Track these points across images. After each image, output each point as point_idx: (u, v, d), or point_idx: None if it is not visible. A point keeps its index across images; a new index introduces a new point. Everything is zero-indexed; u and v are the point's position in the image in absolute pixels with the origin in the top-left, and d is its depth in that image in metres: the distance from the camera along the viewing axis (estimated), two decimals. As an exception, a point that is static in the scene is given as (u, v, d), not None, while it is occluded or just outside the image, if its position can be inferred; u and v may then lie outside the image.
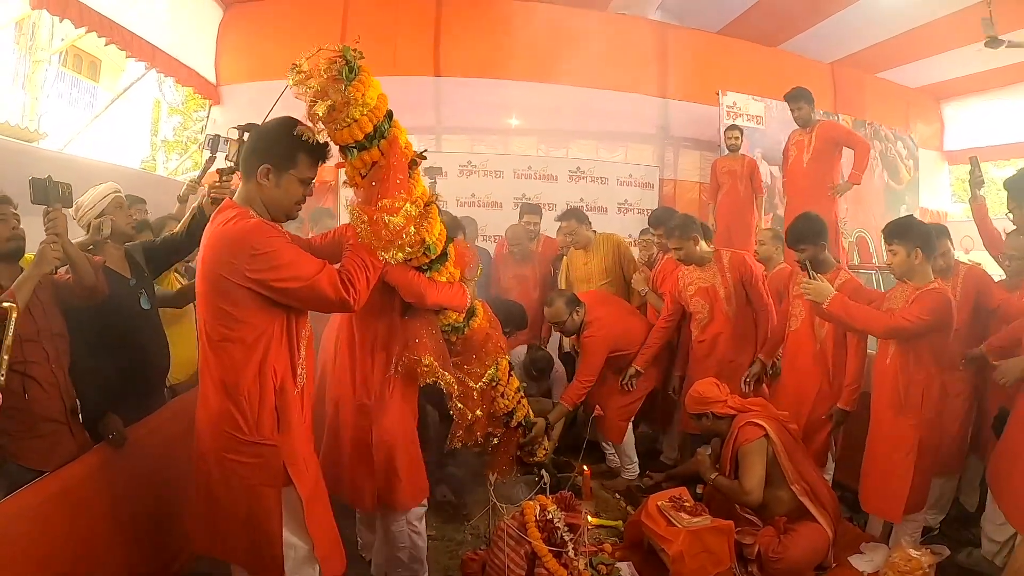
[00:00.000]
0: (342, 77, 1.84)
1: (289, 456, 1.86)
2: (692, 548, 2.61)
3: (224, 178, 2.75)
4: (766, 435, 2.89)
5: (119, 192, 2.81)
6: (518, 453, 3.11)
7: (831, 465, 3.51)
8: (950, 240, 3.39)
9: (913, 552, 2.66)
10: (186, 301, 3.27)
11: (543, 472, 3.36)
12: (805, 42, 7.46)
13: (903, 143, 8.33)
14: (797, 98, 5.27)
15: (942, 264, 3.28)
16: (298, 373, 1.93)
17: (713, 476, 3.02)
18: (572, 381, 3.85)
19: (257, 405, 1.82)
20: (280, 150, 1.84)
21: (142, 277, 2.84)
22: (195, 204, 2.88)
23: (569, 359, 4.57)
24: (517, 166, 6.46)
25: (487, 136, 6.86)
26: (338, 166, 2.07)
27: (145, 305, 2.81)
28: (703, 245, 3.79)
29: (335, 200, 6.08)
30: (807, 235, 3.25)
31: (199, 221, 2.83)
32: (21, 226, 2.30)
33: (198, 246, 2.01)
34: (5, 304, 1.91)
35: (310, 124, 1.86)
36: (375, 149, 1.99)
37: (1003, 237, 3.38)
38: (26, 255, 2.39)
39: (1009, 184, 2.96)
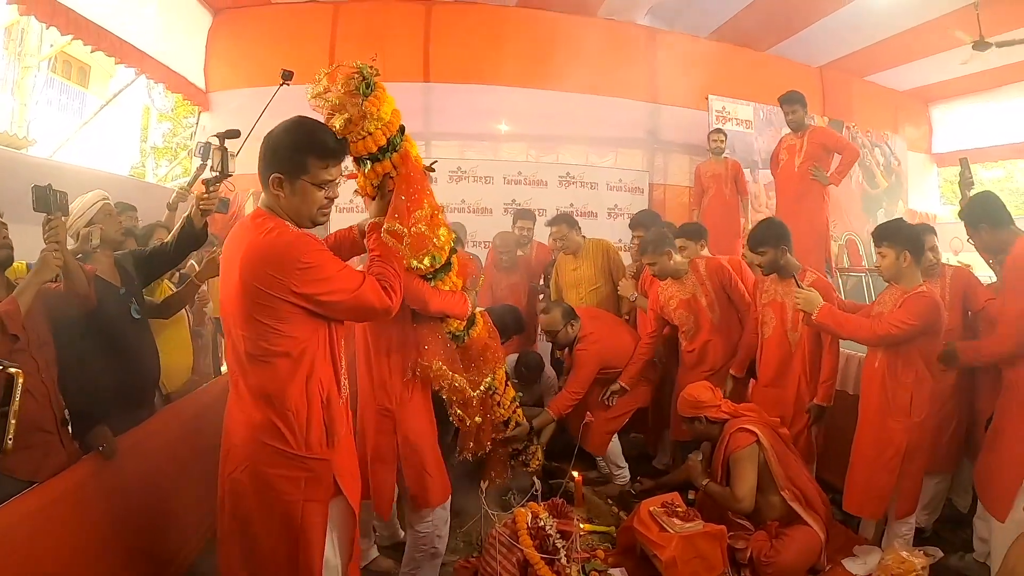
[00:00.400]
0: (359, 92, 1.91)
1: (339, 469, 1.84)
2: (685, 553, 2.62)
3: (211, 188, 2.74)
4: (757, 441, 2.89)
5: (107, 200, 2.80)
6: (512, 463, 3.11)
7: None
8: (935, 236, 3.44)
9: (906, 554, 2.67)
10: (172, 311, 3.24)
11: (535, 479, 3.36)
12: (794, 46, 7.48)
13: (880, 150, 8.44)
14: (792, 101, 5.30)
15: (931, 259, 3.31)
16: (342, 384, 1.90)
17: (705, 483, 3.03)
18: (561, 391, 3.83)
19: (305, 419, 1.76)
20: (288, 156, 1.76)
21: (132, 286, 2.82)
22: (184, 214, 2.87)
23: (559, 365, 4.53)
24: (507, 172, 6.45)
25: (477, 142, 6.83)
26: (349, 176, 2.11)
27: (135, 314, 2.79)
28: (677, 258, 3.78)
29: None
30: (767, 238, 3.28)
31: (188, 232, 2.82)
32: (8, 235, 2.28)
33: (186, 256, 1.99)
34: (11, 369, 1.86)
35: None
36: (387, 161, 2.07)
37: None
38: (15, 264, 2.38)
39: (964, 215, 2.98)
